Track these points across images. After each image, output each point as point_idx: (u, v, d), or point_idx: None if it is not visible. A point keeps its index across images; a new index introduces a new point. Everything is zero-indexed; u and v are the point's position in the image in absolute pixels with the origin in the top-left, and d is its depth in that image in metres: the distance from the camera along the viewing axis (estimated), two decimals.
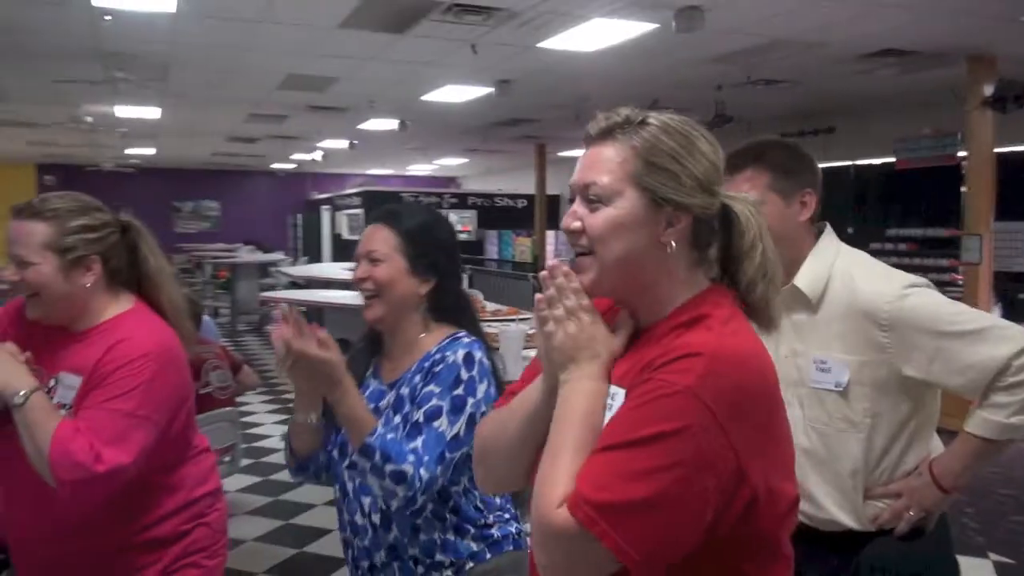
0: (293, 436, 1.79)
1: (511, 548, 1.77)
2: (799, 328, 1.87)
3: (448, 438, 1.63)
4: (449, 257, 1.83)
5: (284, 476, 5.30)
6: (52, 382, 1.76)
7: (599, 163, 1.13)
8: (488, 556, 1.74)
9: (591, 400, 1.08)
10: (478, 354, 1.71)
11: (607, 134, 1.14)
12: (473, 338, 1.75)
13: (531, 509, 1.05)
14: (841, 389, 1.80)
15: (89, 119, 11.44)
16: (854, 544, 1.84)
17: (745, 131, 10.01)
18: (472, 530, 1.73)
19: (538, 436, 1.12)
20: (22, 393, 1.64)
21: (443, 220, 1.89)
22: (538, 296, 1.15)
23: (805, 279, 1.86)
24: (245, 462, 5.18)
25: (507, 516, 1.79)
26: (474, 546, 1.73)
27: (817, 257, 1.88)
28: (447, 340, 1.74)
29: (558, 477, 1.03)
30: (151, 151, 16.51)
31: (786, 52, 7.08)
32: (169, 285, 1.93)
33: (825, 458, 1.84)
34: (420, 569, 1.72)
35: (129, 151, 16.40)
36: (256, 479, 5.31)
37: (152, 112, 11.16)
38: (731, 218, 1.17)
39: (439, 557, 1.71)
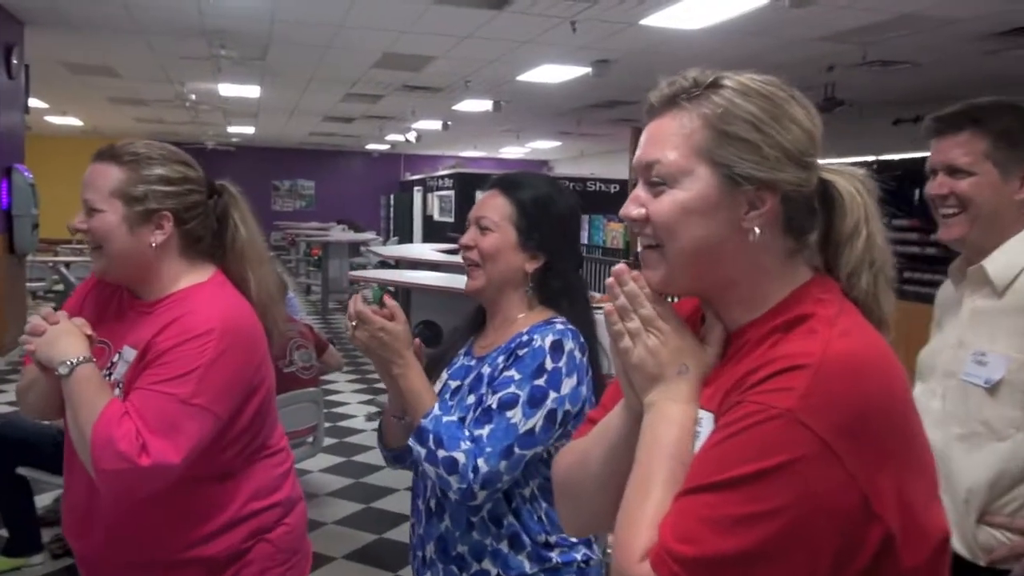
0: (385, 431, 1.69)
1: None
2: (977, 315, 1.67)
3: (520, 431, 1.46)
4: (563, 235, 1.65)
5: (367, 458, 5.25)
6: (116, 357, 1.59)
7: (662, 137, 0.95)
8: None
9: (681, 427, 0.90)
10: (570, 344, 1.53)
11: (671, 102, 0.96)
12: (568, 326, 1.56)
13: (612, 559, 0.88)
14: (989, 387, 1.58)
15: (193, 97, 11.70)
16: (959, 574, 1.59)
17: (856, 115, 9.49)
18: (529, 546, 1.54)
19: (624, 471, 0.94)
20: (68, 363, 1.47)
21: (565, 194, 1.69)
22: (607, 307, 0.97)
23: (996, 262, 1.64)
24: (329, 442, 5.13)
25: (574, 540, 1.58)
26: (527, 566, 1.54)
27: (1020, 241, 1.65)
28: (540, 323, 1.57)
29: (641, 523, 0.86)
30: (251, 130, 16.89)
31: (909, 29, 6.60)
32: (260, 263, 1.72)
33: (945, 461, 1.61)
34: None
35: (231, 129, 16.82)
36: (339, 460, 5.25)
37: (252, 91, 11.34)
38: (832, 197, 0.97)
39: (487, 565, 1.54)
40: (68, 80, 10.91)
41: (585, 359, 1.55)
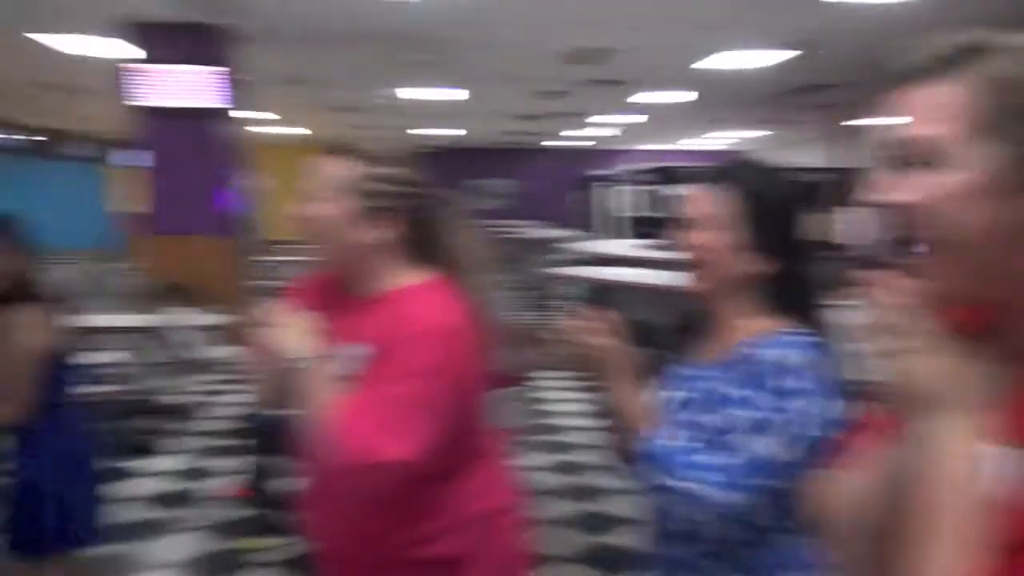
0: (613, 437, 1.63)
1: None
2: None
3: (755, 459, 1.34)
4: (789, 232, 1.48)
5: (578, 456, 5.22)
6: (338, 352, 1.63)
7: (927, 109, 0.81)
8: None
9: (967, 466, 0.77)
10: (802, 358, 1.37)
11: (939, 67, 0.82)
12: (801, 337, 1.41)
13: None
14: None
15: (398, 101, 12.25)
16: None
17: None
18: None
19: (902, 512, 0.82)
20: (303, 359, 1.51)
21: (788, 185, 1.54)
22: (864, 322, 0.85)
23: None
24: (540, 439, 5.13)
25: (814, 572, 1.42)
26: None
27: None
28: (766, 334, 1.43)
29: None
30: (450, 132, 17.49)
31: None
32: (476, 271, 1.73)
33: None
34: None
35: (431, 132, 17.49)
36: (550, 458, 5.21)
37: (449, 93, 11.74)
38: None
39: None
40: (287, 92, 11.71)
41: (820, 373, 1.38)
